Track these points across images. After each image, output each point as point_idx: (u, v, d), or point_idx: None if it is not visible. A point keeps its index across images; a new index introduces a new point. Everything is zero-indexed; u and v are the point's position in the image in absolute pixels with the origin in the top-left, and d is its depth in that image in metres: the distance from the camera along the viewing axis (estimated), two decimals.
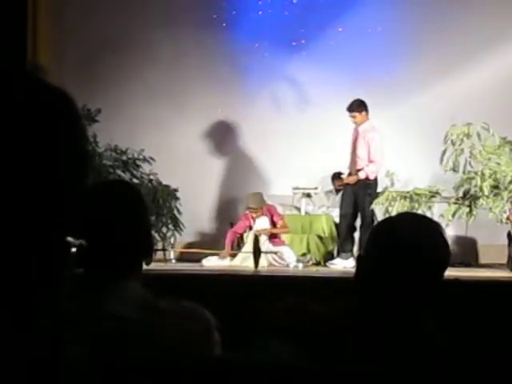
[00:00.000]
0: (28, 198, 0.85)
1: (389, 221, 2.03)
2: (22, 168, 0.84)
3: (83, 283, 1.87)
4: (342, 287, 4.26)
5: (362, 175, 8.06)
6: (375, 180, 8.12)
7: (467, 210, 7.49)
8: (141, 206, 1.98)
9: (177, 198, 8.79)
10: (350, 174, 8.37)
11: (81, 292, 1.83)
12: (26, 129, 0.85)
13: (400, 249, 1.88)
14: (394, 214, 7.57)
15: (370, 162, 8.06)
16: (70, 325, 1.76)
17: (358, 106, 8.11)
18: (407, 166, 8.83)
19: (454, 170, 7.57)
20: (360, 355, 1.84)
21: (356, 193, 8.13)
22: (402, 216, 2.15)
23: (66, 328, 1.07)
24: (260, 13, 10.01)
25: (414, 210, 7.32)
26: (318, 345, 1.88)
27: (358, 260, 1.99)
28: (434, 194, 7.70)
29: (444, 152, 7.59)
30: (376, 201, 7.74)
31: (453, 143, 7.55)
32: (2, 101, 0.85)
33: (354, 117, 8.13)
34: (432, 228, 1.94)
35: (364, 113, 8.11)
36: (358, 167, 8.12)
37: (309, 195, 9.41)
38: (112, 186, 2.04)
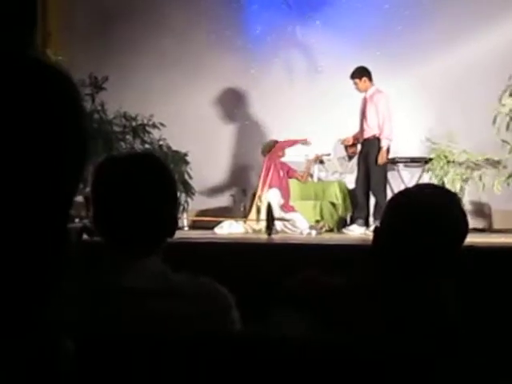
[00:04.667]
0: (26, 185, 0.82)
1: (406, 192, 2.00)
2: (20, 154, 0.82)
3: (104, 256, 1.84)
4: (357, 254, 4.24)
5: (384, 143, 8.00)
6: (378, 142, 8.07)
7: None
8: (168, 181, 1.91)
9: (187, 163, 8.77)
10: (354, 144, 8.47)
11: (100, 264, 1.81)
12: (22, 113, 0.82)
13: (417, 221, 1.85)
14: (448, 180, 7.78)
15: (380, 125, 8.01)
16: (85, 298, 1.76)
17: (358, 73, 8.15)
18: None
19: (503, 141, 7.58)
20: (377, 327, 1.83)
21: (368, 159, 8.10)
22: (419, 187, 2.12)
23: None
24: None
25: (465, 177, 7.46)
26: (335, 317, 1.87)
27: (375, 232, 1.96)
28: (490, 162, 7.79)
29: (495, 117, 7.57)
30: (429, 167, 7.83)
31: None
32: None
33: (355, 83, 8.18)
34: (450, 199, 1.91)
35: (365, 78, 8.12)
36: (367, 135, 8.09)
37: (321, 162, 9.38)
38: (139, 160, 1.92)
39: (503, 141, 7.73)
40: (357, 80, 8.13)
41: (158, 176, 1.88)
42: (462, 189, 8.19)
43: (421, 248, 1.85)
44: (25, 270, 0.84)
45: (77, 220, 6.20)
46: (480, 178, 7.97)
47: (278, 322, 1.89)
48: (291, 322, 1.88)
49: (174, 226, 1.94)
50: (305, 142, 8.54)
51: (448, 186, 7.77)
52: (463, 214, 1.90)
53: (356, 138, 8.47)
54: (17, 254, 0.83)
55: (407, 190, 2.01)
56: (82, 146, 0.88)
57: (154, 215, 1.85)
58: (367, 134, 8.11)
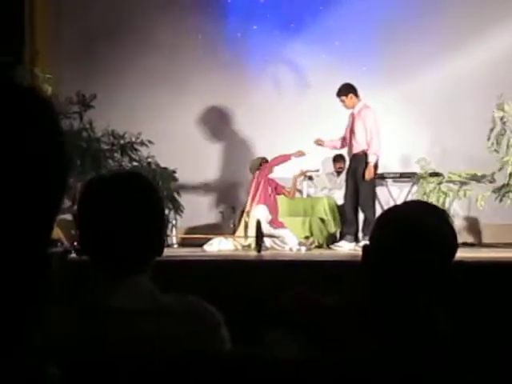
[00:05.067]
0: (3, 210, 0.81)
1: (395, 209, 1.99)
2: None
3: (90, 275, 1.82)
4: (347, 270, 4.24)
5: (372, 159, 7.98)
6: (366, 157, 8.07)
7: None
8: (155, 200, 1.90)
9: (176, 180, 8.76)
10: (341, 157, 8.79)
11: (87, 284, 1.79)
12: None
13: (407, 237, 1.85)
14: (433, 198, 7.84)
15: (368, 141, 8.01)
16: (72, 318, 1.74)
17: (344, 90, 8.15)
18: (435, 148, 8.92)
19: (496, 150, 7.64)
20: (368, 343, 1.82)
21: (356, 175, 8.10)
22: (408, 204, 2.12)
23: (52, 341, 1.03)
24: None
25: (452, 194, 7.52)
26: (326, 335, 1.85)
27: (364, 250, 1.95)
28: (475, 178, 7.84)
29: (491, 130, 7.65)
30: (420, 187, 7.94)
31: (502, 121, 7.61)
32: None
33: (342, 101, 8.18)
34: (439, 216, 1.90)
35: (351, 95, 8.11)
36: (355, 151, 8.09)
37: (310, 178, 9.38)
38: (126, 179, 1.90)
39: (494, 150, 7.75)
40: (343, 97, 8.13)
41: (145, 194, 1.87)
42: (450, 203, 8.23)
43: (410, 264, 1.84)
44: (4, 297, 0.82)
45: (59, 244, 6.20)
46: (465, 195, 8.01)
47: (269, 340, 1.88)
48: (282, 341, 1.87)
49: (162, 244, 1.92)
50: (300, 154, 8.48)
51: (435, 201, 7.79)
52: (452, 230, 1.89)
53: (334, 146, 8.50)
54: None
55: (396, 207, 2.01)
56: (61, 170, 0.87)
57: (142, 234, 1.84)
58: (355, 150, 8.11)
